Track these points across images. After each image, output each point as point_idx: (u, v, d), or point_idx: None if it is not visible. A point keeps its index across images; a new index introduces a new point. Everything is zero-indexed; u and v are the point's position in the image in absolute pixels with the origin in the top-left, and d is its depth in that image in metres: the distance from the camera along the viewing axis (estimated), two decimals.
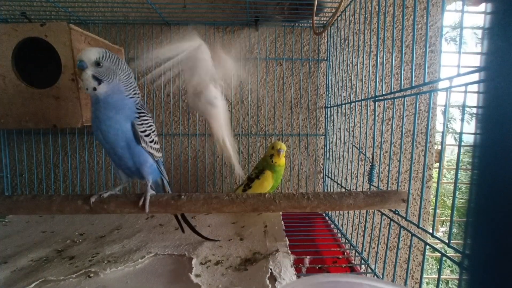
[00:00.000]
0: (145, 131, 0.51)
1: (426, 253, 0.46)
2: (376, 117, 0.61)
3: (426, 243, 0.46)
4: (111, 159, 0.55)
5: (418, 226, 0.47)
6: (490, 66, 0.12)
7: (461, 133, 0.39)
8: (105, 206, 0.49)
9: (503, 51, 0.12)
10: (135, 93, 0.52)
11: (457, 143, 0.44)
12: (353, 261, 0.63)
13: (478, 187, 0.14)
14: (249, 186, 0.76)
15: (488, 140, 0.13)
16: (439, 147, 0.99)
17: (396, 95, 0.54)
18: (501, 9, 0.12)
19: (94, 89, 0.47)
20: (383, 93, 0.57)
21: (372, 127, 0.62)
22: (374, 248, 0.67)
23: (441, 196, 2.03)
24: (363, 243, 0.64)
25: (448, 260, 0.40)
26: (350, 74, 0.83)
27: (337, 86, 0.88)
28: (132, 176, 0.57)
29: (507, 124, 0.12)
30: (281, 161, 0.77)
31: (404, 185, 0.95)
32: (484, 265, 0.14)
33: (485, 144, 0.13)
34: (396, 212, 0.54)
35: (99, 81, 0.47)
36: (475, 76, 0.35)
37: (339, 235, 0.75)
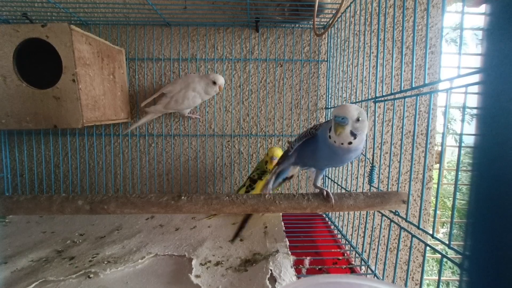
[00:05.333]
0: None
1: (427, 255, 0.46)
2: (376, 118, 0.61)
3: (426, 244, 0.46)
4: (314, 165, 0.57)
5: (418, 227, 0.47)
6: (488, 68, 0.12)
7: (461, 134, 0.39)
8: (105, 207, 0.49)
9: (501, 53, 0.12)
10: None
11: (458, 144, 0.44)
12: (353, 262, 0.63)
13: (477, 188, 0.14)
14: (252, 187, 0.76)
15: (486, 141, 0.13)
16: (440, 148, 0.99)
17: (396, 96, 0.54)
18: (499, 10, 0.12)
19: (350, 143, 0.47)
20: (383, 94, 0.57)
21: (372, 128, 0.62)
22: (374, 249, 0.67)
23: (441, 197, 2.03)
24: (363, 244, 0.64)
25: (448, 262, 0.40)
26: (351, 75, 0.83)
27: (338, 87, 0.88)
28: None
29: (506, 125, 0.12)
30: None
31: (405, 186, 0.95)
32: (483, 266, 0.14)
33: (483, 145, 0.13)
34: (397, 213, 0.54)
35: (355, 136, 0.46)
36: (476, 77, 0.35)
37: (339, 236, 0.75)
